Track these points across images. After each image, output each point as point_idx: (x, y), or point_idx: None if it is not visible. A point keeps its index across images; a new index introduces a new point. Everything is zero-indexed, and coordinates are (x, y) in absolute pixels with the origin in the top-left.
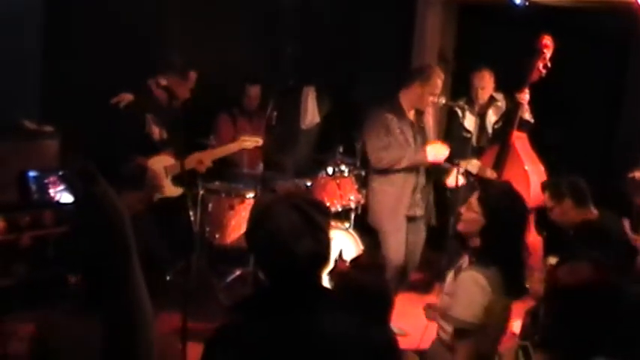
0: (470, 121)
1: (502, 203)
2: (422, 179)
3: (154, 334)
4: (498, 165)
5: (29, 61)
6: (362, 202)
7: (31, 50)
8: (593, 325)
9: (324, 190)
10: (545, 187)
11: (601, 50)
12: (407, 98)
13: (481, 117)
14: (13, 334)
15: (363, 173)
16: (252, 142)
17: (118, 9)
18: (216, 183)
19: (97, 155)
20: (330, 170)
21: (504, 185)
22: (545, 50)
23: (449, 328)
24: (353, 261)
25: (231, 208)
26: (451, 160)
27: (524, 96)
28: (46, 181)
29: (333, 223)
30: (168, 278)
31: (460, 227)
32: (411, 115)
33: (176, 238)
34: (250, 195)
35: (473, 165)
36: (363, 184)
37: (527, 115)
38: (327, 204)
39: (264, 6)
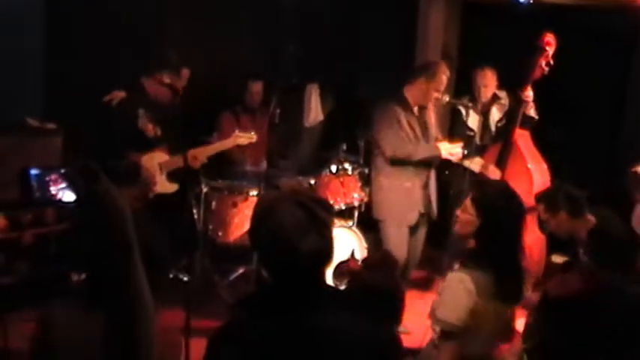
0: (473, 120)
1: (496, 203)
2: (430, 175)
3: (155, 331)
4: (501, 163)
5: (30, 61)
6: (365, 199)
7: (31, 50)
8: (587, 332)
9: (328, 188)
10: (539, 199)
11: (605, 48)
12: (411, 94)
13: (484, 115)
14: (15, 331)
15: (366, 171)
16: (246, 137)
17: (118, 9)
18: (220, 181)
19: (97, 152)
20: (333, 168)
21: (499, 185)
22: (547, 47)
23: (437, 328)
24: (365, 260)
25: (235, 205)
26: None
27: (527, 93)
28: (48, 179)
29: (336, 220)
30: (170, 276)
31: (456, 229)
32: (416, 111)
33: (178, 235)
34: (253, 193)
35: (476, 163)
36: (367, 181)
37: (532, 112)
38: (331, 202)
39: (266, 4)
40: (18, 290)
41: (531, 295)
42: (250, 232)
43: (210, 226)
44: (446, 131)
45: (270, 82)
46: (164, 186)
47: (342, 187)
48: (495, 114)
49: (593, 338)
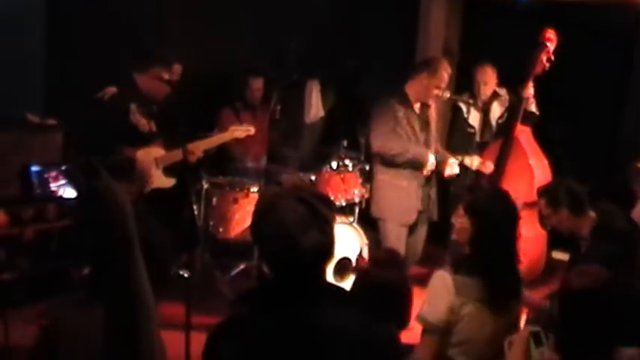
0: (474, 117)
1: (488, 209)
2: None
3: (156, 327)
4: (502, 158)
5: (30, 61)
6: (366, 196)
7: (31, 50)
8: (610, 322)
9: (328, 184)
10: (541, 193)
11: (606, 45)
12: (413, 90)
13: (485, 112)
14: (17, 326)
15: (367, 167)
16: (242, 131)
17: (118, 9)
18: (220, 177)
19: (91, 148)
20: (334, 164)
21: (490, 190)
22: (548, 43)
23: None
24: (373, 258)
25: (236, 202)
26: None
27: (528, 89)
28: (48, 175)
29: (337, 217)
30: (171, 272)
31: (454, 237)
32: (417, 108)
33: (178, 231)
34: (254, 189)
35: (474, 161)
36: (367, 178)
37: (533, 107)
38: (331, 198)
39: (267, 1)
40: (19, 286)
41: (530, 293)
42: (252, 227)
43: (211, 222)
44: (446, 128)
45: (271, 78)
46: (161, 180)
47: (343, 184)
48: (496, 110)
49: (615, 326)
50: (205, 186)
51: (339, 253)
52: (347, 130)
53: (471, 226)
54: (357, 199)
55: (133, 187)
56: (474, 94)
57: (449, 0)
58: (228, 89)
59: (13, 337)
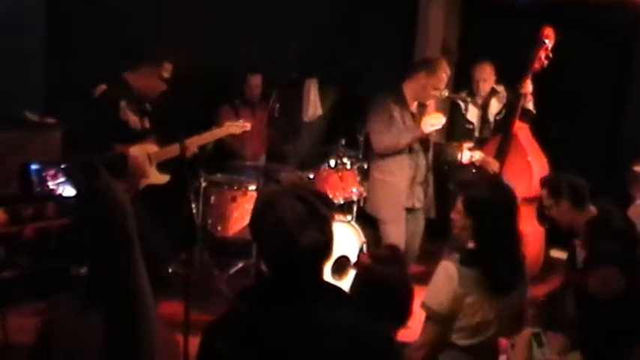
0: (472, 113)
1: (485, 202)
2: (422, 170)
3: (156, 327)
4: (501, 155)
5: (30, 61)
6: (364, 194)
7: (31, 50)
8: (631, 324)
9: (327, 182)
10: (543, 183)
11: (605, 43)
12: (410, 89)
13: (483, 109)
14: (16, 324)
15: (365, 166)
16: (238, 126)
17: (118, 9)
18: (219, 175)
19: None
20: (332, 162)
21: (485, 183)
22: (547, 40)
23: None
24: (374, 254)
25: (234, 200)
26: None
27: (527, 86)
28: (47, 173)
29: (335, 215)
30: (170, 270)
31: (455, 232)
32: (414, 107)
33: (176, 229)
34: (253, 187)
35: (476, 154)
36: (366, 176)
37: (530, 105)
38: (330, 196)
39: (267, 1)
40: (18, 284)
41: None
42: (250, 225)
43: (210, 221)
44: (445, 125)
45: (270, 77)
46: (155, 177)
47: (341, 182)
48: (494, 107)
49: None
50: (203, 184)
51: (337, 252)
52: (345, 128)
53: (472, 221)
54: (355, 198)
55: (126, 184)
56: (472, 92)
57: None
58: (227, 87)
59: (12, 334)
